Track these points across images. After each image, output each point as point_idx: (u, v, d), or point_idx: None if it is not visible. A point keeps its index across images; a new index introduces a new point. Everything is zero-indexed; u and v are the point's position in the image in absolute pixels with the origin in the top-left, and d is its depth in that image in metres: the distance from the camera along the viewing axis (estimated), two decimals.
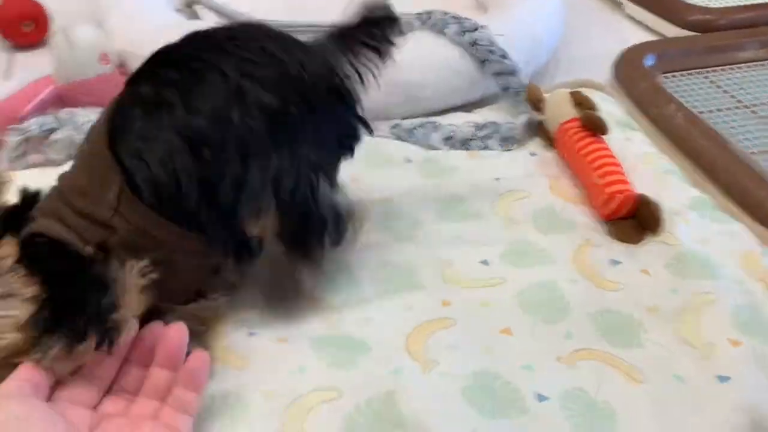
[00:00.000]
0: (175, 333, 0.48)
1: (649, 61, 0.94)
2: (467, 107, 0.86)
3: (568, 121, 0.75)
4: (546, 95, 0.80)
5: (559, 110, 0.76)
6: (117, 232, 0.47)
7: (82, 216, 0.47)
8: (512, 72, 0.82)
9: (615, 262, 0.64)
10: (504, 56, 0.81)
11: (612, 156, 0.71)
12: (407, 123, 0.80)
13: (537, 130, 0.81)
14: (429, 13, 0.85)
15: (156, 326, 0.48)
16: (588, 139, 0.72)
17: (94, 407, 0.46)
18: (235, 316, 0.57)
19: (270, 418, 0.49)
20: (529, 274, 0.62)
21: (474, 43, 0.81)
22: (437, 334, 0.56)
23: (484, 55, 0.81)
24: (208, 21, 0.94)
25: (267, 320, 0.57)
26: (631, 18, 1.15)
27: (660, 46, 0.99)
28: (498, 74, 0.82)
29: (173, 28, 0.81)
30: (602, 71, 0.96)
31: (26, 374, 0.43)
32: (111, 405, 0.47)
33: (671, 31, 1.07)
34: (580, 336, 0.57)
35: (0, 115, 0.76)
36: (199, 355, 0.48)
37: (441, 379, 0.52)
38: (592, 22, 1.14)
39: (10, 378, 0.43)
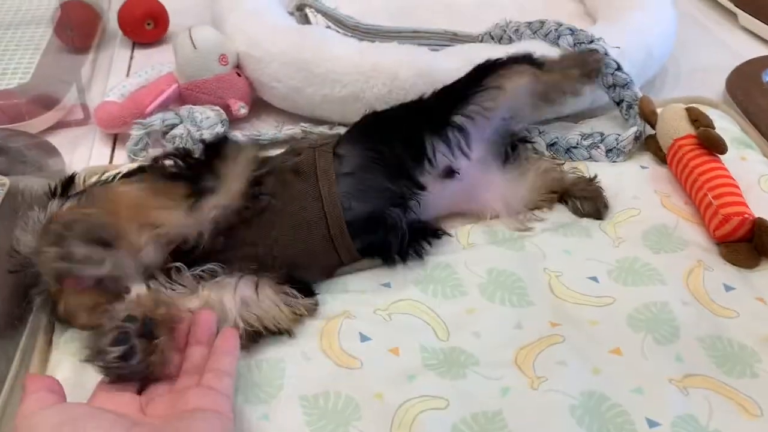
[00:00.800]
0: (205, 314, 0.53)
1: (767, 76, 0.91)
2: (573, 117, 0.85)
3: (683, 138, 0.73)
4: (658, 110, 0.78)
5: (674, 125, 0.74)
6: None
7: None
8: (626, 85, 0.80)
9: (728, 288, 0.62)
10: (618, 69, 0.80)
11: (729, 176, 0.68)
12: None
13: (646, 144, 0.79)
14: (542, 23, 0.84)
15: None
16: (704, 158, 0.70)
17: (139, 393, 0.49)
18: (348, 320, 0.59)
19: (379, 419, 0.50)
20: (639, 294, 0.61)
21: None
22: (546, 351, 0.56)
23: None
24: (318, 25, 0.97)
25: (379, 328, 0.58)
26: (746, 30, 1.11)
27: None
28: (611, 87, 0.81)
29: (287, 32, 0.86)
30: (712, 85, 0.93)
31: (38, 385, 0.45)
32: (154, 389, 0.49)
33: None
34: (690, 361, 0.56)
35: (126, 110, 0.81)
36: (228, 328, 0.53)
37: (549, 396, 0.52)
38: (702, 33, 1.10)
39: (25, 395, 0.44)
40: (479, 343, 0.57)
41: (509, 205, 0.70)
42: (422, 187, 0.64)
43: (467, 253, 0.65)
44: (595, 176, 0.73)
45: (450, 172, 0.67)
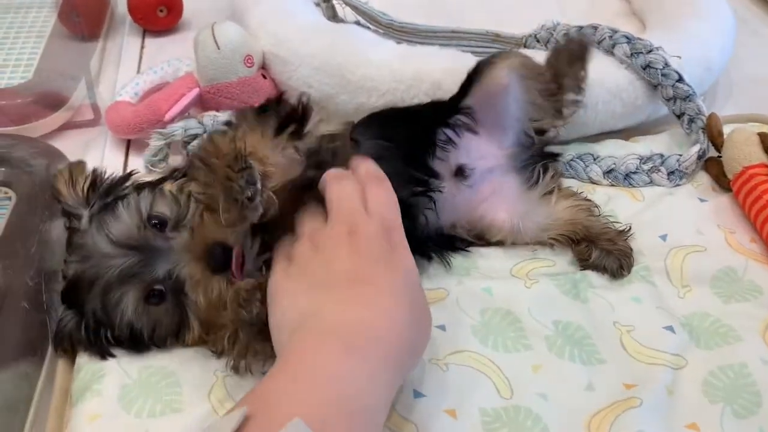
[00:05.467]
0: None
1: None
2: (625, 134, 0.79)
3: (755, 166, 0.67)
4: (726, 131, 0.72)
5: (744, 152, 0.68)
6: None
7: None
8: (687, 97, 0.73)
9: None
10: (680, 80, 0.73)
11: None
12: (565, 155, 0.73)
13: (707, 166, 0.73)
14: (594, 28, 0.77)
15: None
16: None
17: None
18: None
19: None
20: (714, 355, 0.56)
21: (647, 66, 0.73)
22: (622, 417, 0.50)
23: (658, 79, 0.73)
24: (346, 18, 0.89)
25: (434, 382, 0.52)
26: None
27: None
28: (671, 99, 0.74)
29: (318, 31, 0.78)
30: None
31: None
32: None
33: None
34: None
35: (142, 116, 0.73)
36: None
37: None
38: (754, 39, 1.01)
39: None
40: (547, 406, 0.51)
41: (518, 229, 0.64)
42: (437, 175, 0.62)
43: (530, 299, 0.59)
44: (629, 229, 0.65)
45: (461, 171, 0.65)
